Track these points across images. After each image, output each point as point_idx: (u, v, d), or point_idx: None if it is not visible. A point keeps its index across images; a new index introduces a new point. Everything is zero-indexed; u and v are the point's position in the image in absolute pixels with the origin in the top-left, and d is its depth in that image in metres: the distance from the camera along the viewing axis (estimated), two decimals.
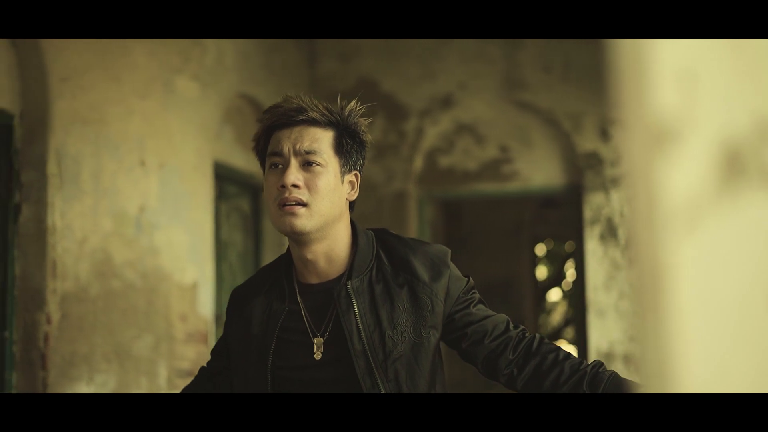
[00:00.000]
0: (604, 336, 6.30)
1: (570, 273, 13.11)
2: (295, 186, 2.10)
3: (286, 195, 2.10)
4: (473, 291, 2.24)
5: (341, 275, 2.20)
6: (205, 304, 5.08)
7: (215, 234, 5.56)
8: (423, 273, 2.17)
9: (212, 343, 4.95)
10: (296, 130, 2.16)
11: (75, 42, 4.17)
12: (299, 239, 2.15)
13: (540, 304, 13.66)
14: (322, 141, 2.16)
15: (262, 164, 2.24)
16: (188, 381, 2.80)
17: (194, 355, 4.93)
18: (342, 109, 2.21)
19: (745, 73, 0.60)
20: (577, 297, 7.18)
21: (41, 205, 3.99)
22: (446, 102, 6.74)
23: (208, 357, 2.42)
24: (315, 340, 2.16)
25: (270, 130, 2.21)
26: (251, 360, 2.20)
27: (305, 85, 6.66)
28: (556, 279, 14.18)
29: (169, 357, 4.76)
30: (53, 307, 3.97)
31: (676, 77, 0.59)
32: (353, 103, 2.24)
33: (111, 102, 4.43)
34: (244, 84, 5.83)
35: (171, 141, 4.92)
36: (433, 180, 6.88)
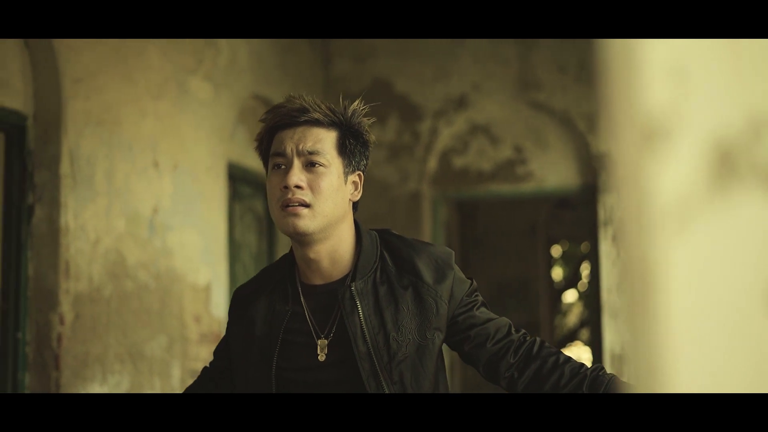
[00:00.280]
0: (619, 338, 6.28)
1: (585, 274, 13.07)
2: (298, 187, 2.09)
3: (289, 196, 2.09)
4: (476, 294, 2.23)
5: (345, 276, 2.19)
6: (219, 305, 5.08)
7: (229, 235, 5.57)
8: (427, 275, 2.16)
9: None
10: (299, 130, 2.15)
11: (88, 43, 4.18)
12: (302, 240, 2.14)
13: (556, 306, 13.62)
14: (325, 141, 2.15)
15: (265, 164, 2.24)
16: None
17: (208, 356, 4.93)
18: (345, 109, 2.21)
19: (737, 70, 0.59)
20: (592, 298, 7.16)
21: (54, 205, 4.00)
22: (460, 102, 6.72)
23: None
24: (319, 342, 2.15)
25: (273, 130, 2.20)
26: (253, 361, 2.19)
27: (319, 86, 6.66)
28: (571, 280, 14.13)
29: (182, 358, 4.77)
30: (66, 308, 3.98)
31: (667, 74, 0.58)
32: (356, 102, 2.23)
33: (124, 103, 4.44)
34: (257, 85, 5.83)
35: (184, 142, 4.93)
36: (448, 181, 6.87)
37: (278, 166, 2.15)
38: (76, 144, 4.09)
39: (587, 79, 6.50)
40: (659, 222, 0.58)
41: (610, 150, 0.61)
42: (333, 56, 6.91)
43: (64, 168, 4.02)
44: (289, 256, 2.28)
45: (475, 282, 2.26)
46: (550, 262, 12.42)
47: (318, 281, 2.21)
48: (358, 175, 2.23)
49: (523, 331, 2.25)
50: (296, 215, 2.09)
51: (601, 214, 6.44)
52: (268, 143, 2.21)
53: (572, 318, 15.00)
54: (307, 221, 2.10)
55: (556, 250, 13.53)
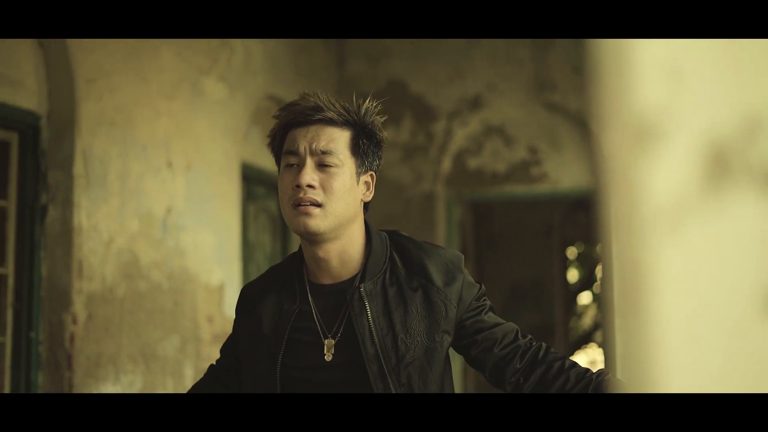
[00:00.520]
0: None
1: (600, 276, 13.02)
2: (311, 186, 2.09)
3: (301, 195, 2.09)
4: (484, 298, 2.22)
5: (354, 276, 2.18)
6: (232, 306, 5.07)
7: (242, 235, 5.57)
8: (437, 277, 2.15)
9: None
10: (313, 129, 2.15)
11: (102, 43, 4.19)
12: (312, 239, 2.14)
13: (570, 308, 13.58)
14: (338, 141, 2.14)
15: (277, 161, 2.23)
16: None
17: None
18: (359, 107, 2.20)
19: (730, 70, 0.58)
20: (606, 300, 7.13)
21: (68, 205, 4.01)
22: (475, 103, 6.71)
23: None
24: (326, 342, 2.15)
25: (286, 127, 2.19)
26: (260, 359, 2.19)
27: (334, 87, 6.66)
28: (586, 282, 14.09)
29: (195, 358, 4.77)
30: (79, 308, 3.99)
31: (660, 73, 0.57)
32: (368, 101, 2.22)
33: (138, 103, 4.44)
34: (272, 85, 5.83)
35: (198, 142, 4.93)
36: (462, 181, 6.85)
37: (291, 164, 2.15)
38: (89, 144, 4.09)
39: None
40: (652, 222, 0.57)
41: (602, 149, 0.60)
42: (347, 57, 6.90)
43: (78, 168, 4.03)
44: (298, 255, 2.27)
45: (483, 286, 2.25)
46: (565, 264, 12.38)
47: (327, 281, 2.20)
48: (371, 175, 2.22)
49: (530, 336, 2.25)
50: (307, 215, 2.09)
51: None
52: (281, 140, 2.21)
53: (587, 320, 14.95)
54: (318, 221, 2.09)
55: (572, 252, 13.49)
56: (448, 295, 2.14)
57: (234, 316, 2.39)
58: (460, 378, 7.08)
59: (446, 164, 6.79)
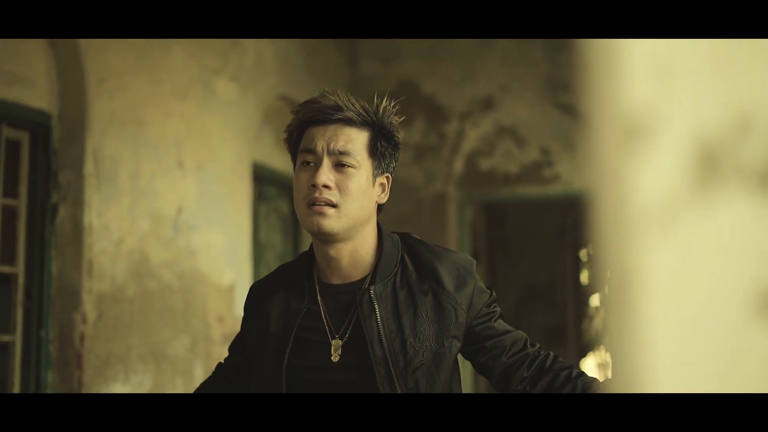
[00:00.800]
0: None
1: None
2: (326, 187, 2.08)
3: (316, 195, 2.08)
4: (495, 305, 2.21)
5: (364, 278, 2.17)
6: (242, 306, 5.06)
7: (253, 235, 5.57)
8: (448, 282, 2.13)
9: None
10: (331, 128, 2.13)
11: (113, 43, 4.19)
12: (325, 239, 2.13)
13: (583, 310, 13.52)
14: (356, 142, 2.13)
15: (293, 158, 2.21)
16: None
17: None
18: (377, 108, 2.18)
19: (720, 68, 0.57)
20: None
21: (78, 205, 4.02)
22: (487, 104, 6.69)
23: None
24: (333, 342, 2.13)
25: (304, 125, 2.18)
26: (267, 357, 2.17)
27: (345, 87, 6.61)
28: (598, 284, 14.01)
29: (205, 358, 4.77)
30: (89, 307, 3.99)
31: (649, 72, 0.56)
32: (385, 101, 2.20)
33: (149, 103, 4.45)
34: (284, 85, 5.83)
35: (209, 143, 4.93)
36: (474, 182, 6.83)
37: (307, 162, 2.13)
38: (100, 144, 4.10)
39: None
40: (641, 222, 0.57)
41: (590, 148, 0.59)
42: (359, 57, 6.90)
43: (88, 167, 4.03)
44: (309, 254, 2.26)
45: (494, 293, 2.23)
46: (578, 266, 12.34)
47: (336, 281, 2.19)
48: (387, 177, 2.20)
49: (539, 345, 2.23)
50: (322, 214, 2.07)
51: None
52: (298, 138, 2.19)
53: (598, 322, 14.88)
54: (332, 221, 2.08)
55: (584, 254, 13.43)
56: (458, 300, 2.12)
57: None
58: (470, 382, 7.05)
59: (458, 165, 6.78)
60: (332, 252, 2.14)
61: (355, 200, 2.09)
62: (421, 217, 6.58)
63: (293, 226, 6.23)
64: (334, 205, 2.08)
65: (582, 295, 13.03)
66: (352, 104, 2.14)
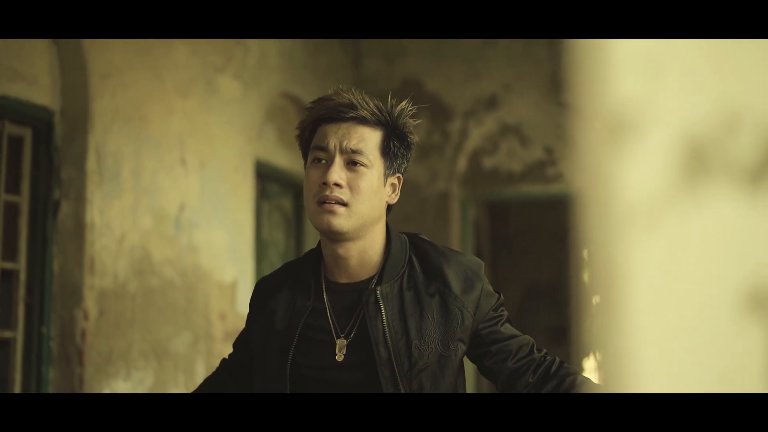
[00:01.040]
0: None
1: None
2: (338, 185, 2.07)
3: (327, 193, 2.07)
4: (502, 308, 2.19)
5: (371, 278, 2.15)
6: (244, 303, 5.06)
7: (256, 233, 5.57)
8: (455, 284, 2.12)
9: None
10: (344, 126, 2.12)
11: (116, 40, 4.19)
12: (334, 237, 2.12)
13: (586, 308, 13.52)
14: (369, 141, 2.12)
15: (305, 155, 2.20)
16: None
17: None
18: (392, 108, 2.17)
19: (708, 65, 0.57)
20: None
21: (80, 201, 4.02)
22: (491, 103, 6.68)
23: None
24: (338, 341, 2.12)
25: (317, 122, 2.16)
26: (271, 354, 2.16)
27: (349, 86, 6.62)
28: None
29: (207, 355, 4.77)
30: (90, 304, 4.00)
31: (637, 69, 0.56)
32: (404, 102, 2.19)
33: (152, 100, 4.45)
34: (287, 83, 5.82)
35: (212, 140, 4.93)
36: (477, 181, 6.83)
37: (319, 159, 2.12)
38: (102, 140, 4.10)
39: None
40: (628, 219, 0.56)
41: (578, 145, 0.59)
42: (363, 56, 6.89)
43: (91, 164, 4.04)
44: (316, 251, 2.25)
45: (502, 296, 2.21)
46: (581, 265, 12.34)
47: (343, 279, 2.18)
48: (398, 177, 2.19)
49: (545, 351, 2.21)
50: (332, 213, 2.06)
51: None
52: (310, 134, 2.18)
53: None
54: (342, 220, 2.07)
55: (586, 253, 13.44)
56: (465, 303, 2.11)
57: (247, 312, 2.38)
58: (473, 384, 7.05)
59: (462, 164, 6.77)
60: (341, 251, 2.14)
61: (365, 199, 2.08)
62: (424, 215, 6.57)
63: (296, 224, 6.23)
64: (344, 204, 2.07)
65: (585, 294, 13.00)
66: (366, 103, 2.13)
